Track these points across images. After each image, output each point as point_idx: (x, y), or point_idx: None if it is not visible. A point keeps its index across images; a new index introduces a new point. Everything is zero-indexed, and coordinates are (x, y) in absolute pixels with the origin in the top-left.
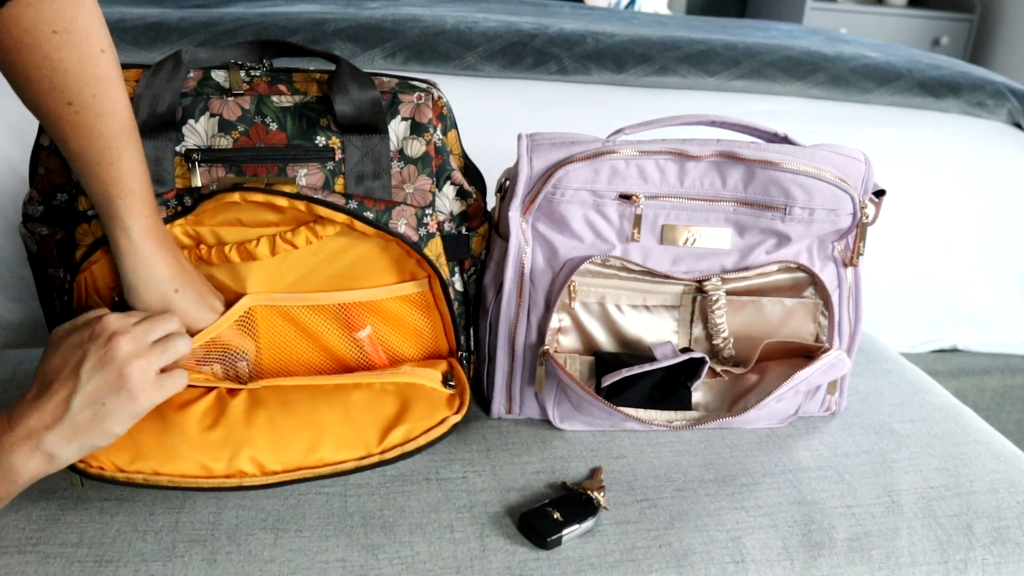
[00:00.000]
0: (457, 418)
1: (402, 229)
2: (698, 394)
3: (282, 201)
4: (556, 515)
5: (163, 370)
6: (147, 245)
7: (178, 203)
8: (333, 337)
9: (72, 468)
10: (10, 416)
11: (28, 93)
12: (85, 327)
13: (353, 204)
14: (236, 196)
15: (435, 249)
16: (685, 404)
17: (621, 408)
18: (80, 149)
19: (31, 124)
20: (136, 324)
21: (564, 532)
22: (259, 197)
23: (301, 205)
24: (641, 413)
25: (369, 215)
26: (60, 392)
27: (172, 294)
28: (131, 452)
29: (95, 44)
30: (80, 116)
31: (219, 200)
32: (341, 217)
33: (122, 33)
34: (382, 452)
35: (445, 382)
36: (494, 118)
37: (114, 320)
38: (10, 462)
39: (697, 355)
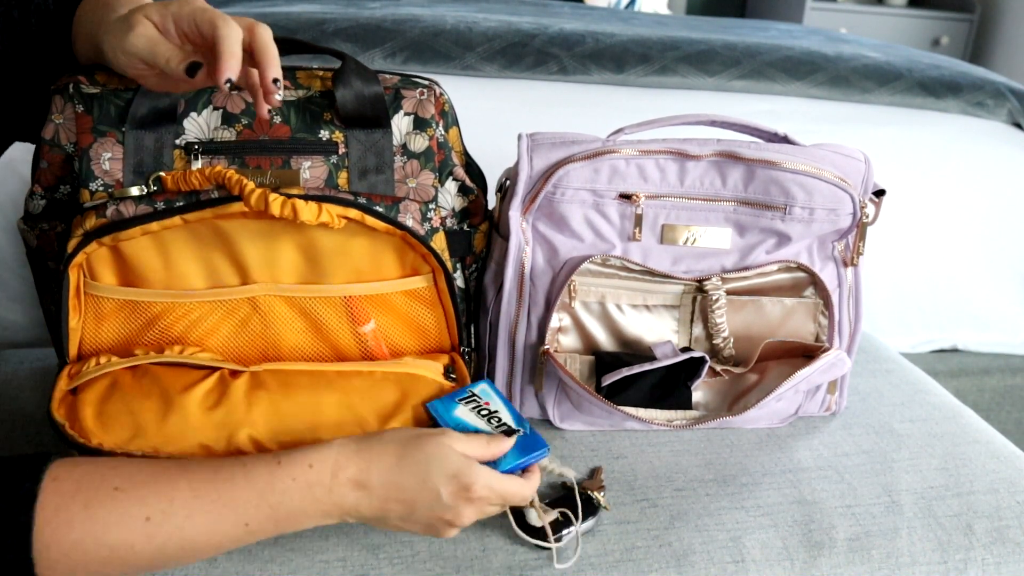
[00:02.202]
0: None
1: (410, 223)
2: (698, 394)
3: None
4: (556, 515)
5: None
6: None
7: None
8: (337, 329)
9: (71, 444)
10: (334, 475)
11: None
12: (451, 480)
13: (362, 200)
14: (241, 205)
15: (440, 244)
16: (685, 403)
17: (621, 407)
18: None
19: None
20: (491, 499)
21: (564, 532)
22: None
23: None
24: (641, 412)
25: (379, 209)
26: (388, 503)
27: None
28: (131, 430)
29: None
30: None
31: (223, 209)
32: (353, 212)
33: None
34: None
35: (446, 374)
36: (494, 118)
37: (479, 497)
38: (316, 513)
39: (697, 354)
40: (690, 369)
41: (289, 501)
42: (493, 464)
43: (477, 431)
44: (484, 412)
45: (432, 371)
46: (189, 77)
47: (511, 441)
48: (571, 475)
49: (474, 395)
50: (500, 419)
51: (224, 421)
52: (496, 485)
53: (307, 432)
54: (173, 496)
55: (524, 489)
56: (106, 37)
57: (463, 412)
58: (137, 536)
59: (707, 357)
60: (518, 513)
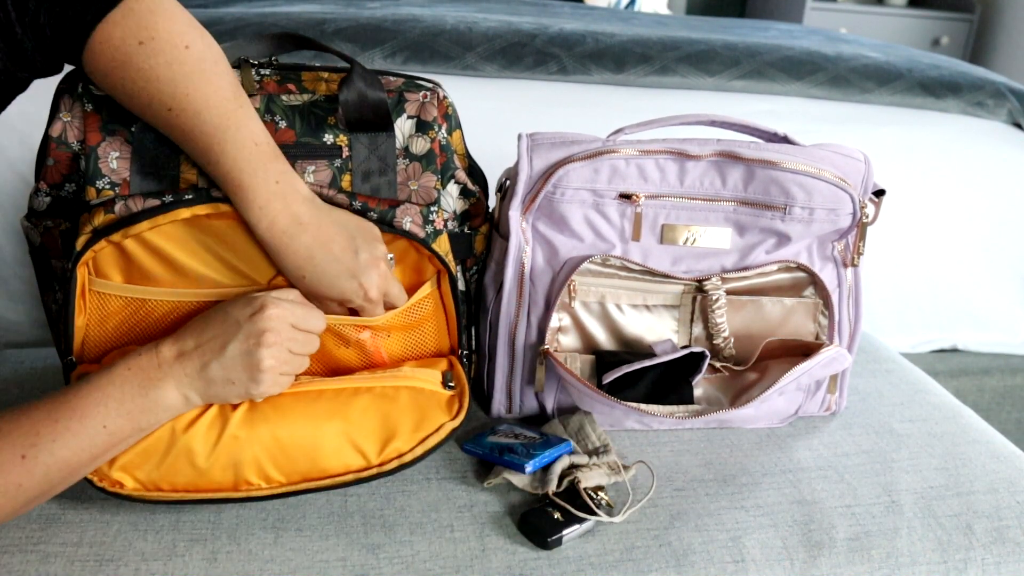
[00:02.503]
0: (455, 424)
1: (408, 226)
2: (699, 390)
3: None
4: (556, 515)
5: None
6: (275, 237)
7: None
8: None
9: (91, 483)
10: (158, 354)
11: (135, 109)
12: (247, 306)
13: (358, 204)
14: None
15: (443, 246)
16: (686, 399)
17: (624, 402)
18: (193, 151)
19: (31, 124)
20: (291, 327)
21: (564, 532)
22: None
23: None
24: (643, 405)
25: (373, 215)
26: (205, 355)
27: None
28: (144, 473)
29: (178, 43)
30: (182, 118)
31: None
32: None
33: None
34: (381, 464)
35: (445, 383)
36: (494, 118)
37: (272, 315)
38: (157, 395)
39: (697, 350)
40: (691, 365)
41: (131, 389)
42: (521, 464)
43: (511, 446)
44: (511, 434)
45: (431, 382)
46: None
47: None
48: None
49: (500, 428)
50: (526, 435)
51: (228, 462)
52: (285, 296)
53: (309, 461)
54: (38, 429)
55: (313, 309)
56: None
57: (493, 437)
58: (20, 474)
59: (707, 352)
60: (519, 513)
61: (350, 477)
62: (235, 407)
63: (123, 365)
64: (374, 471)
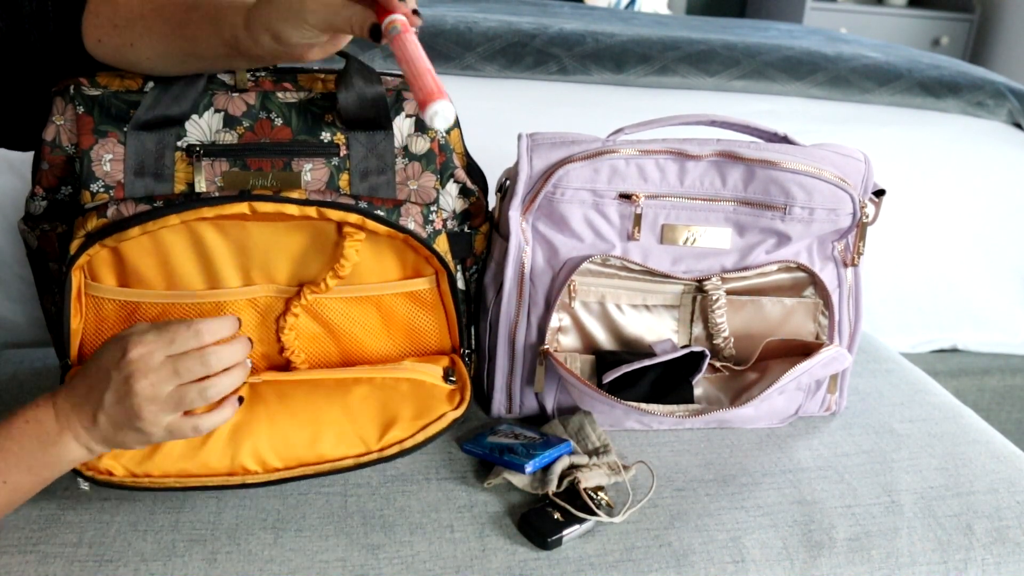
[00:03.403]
0: (457, 413)
1: (411, 226)
2: (699, 390)
3: (292, 209)
4: (556, 515)
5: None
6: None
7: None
8: (338, 329)
9: (79, 474)
10: (55, 405)
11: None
12: (114, 351)
13: (363, 204)
14: (245, 206)
15: (442, 246)
16: (687, 399)
17: (624, 401)
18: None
19: None
20: (165, 359)
21: (564, 532)
22: (269, 207)
23: (312, 210)
24: (643, 405)
25: (380, 213)
26: (90, 406)
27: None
28: (139, 456)
29: None
30: None
31: (224, 209)
32: (353, 217)
33: None
34: (381, 449)
35: (446, 377)
36: (494, 118)
37: (134, 357)
38: (58, 451)
39: (697, 349)
40: (691, 365)
41: (30, 444)
42: (521, 464)
43: (511, 446)
44: (511, 434)
45: (432, 375)
46: (375, 41)
47: (228, 319)
48: (624, 474)
49: (500, 429)
50: (526, 435)
51: (227, 439)
52: (147, 329)
53: (308, 446)
54: None
55: (185, 327)
56: (261, 18)
57: (493, 437)
58: None
59: (707, 352)
60: (519, 513)
61: (350, 462)
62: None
63: (21, 418)
64: (374, 456)
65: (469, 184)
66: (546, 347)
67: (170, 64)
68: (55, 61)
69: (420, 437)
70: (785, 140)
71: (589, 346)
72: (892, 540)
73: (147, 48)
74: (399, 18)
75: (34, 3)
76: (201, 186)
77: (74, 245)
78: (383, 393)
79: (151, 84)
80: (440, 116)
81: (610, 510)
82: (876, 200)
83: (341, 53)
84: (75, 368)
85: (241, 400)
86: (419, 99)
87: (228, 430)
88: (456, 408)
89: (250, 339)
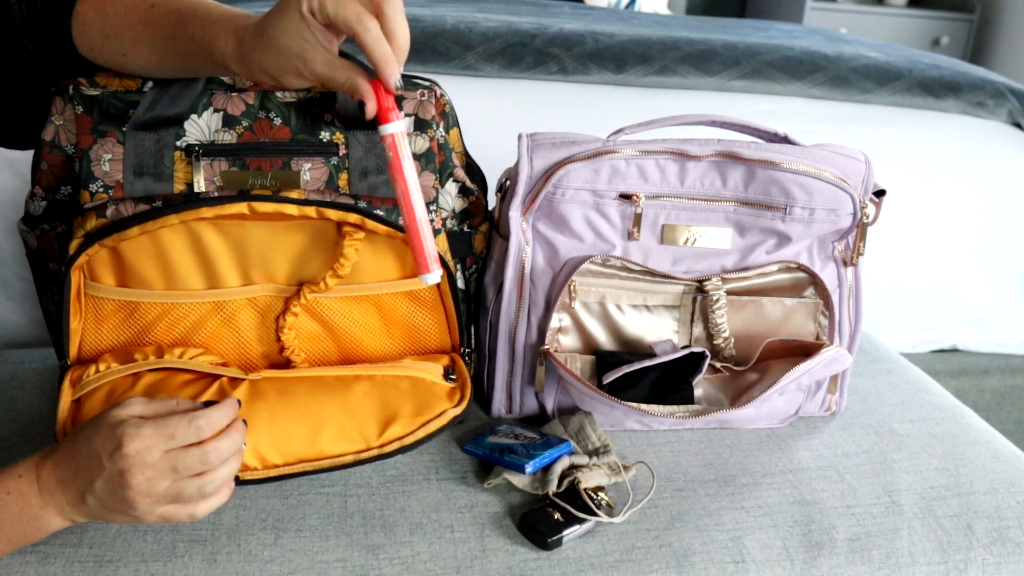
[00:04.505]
0: (457, 411)
1: None
2: (699, 390)
3: (291, 209)
4: (556, 515)
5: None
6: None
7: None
8: (337, 328)
9: None
10: (39, 479)
11: (121, 27)
12: (108, 439)
13: (363, 204)
14: (244, 206)
15: (442, 245)
16: (687, 400)
17: (624, 402)
18: (191, 43)
19: None
20: (160, 459)
21: (565, 532)
22: (268, 207)
23: (311, 210)
24: (643, 405)
25: (380, 212)
26: (80, 486)
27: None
28: None
29: None
30: (159, 8)
31: (223, 209)
32: (353, 217)
33: None
34: (381, 446)
35: (446, 375)
36: (494, 118)
37: (131, 452)
38: (39, 524)
39: (698, 350)
40: (691, 365)
41: (11, 516)
42: (522, 464)
43: (511, 446)
44: (511, 434)
45: (433, 373)
46: (362, 114)
47: (227, 405)
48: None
49: (500, 429)
50: (526, 435)
51: None
52: (145, 422)
53: (308, 441)
54: None
55: (186, 424)
56: (260, 64)
57: (493, 438)
58: None
59: (707, 353)
60: (519, 513)
61: (350, 458)
62: (235, 386)
63: (2, 488)
64: (374, 452)
65: (468, 183)
66: (546, 347)
67: (166, 73)
68: (53, 64)
69: (420, 434)
70: (785, 140)
71: (589, 346)
72: (892, 540)
73: (140, 58)
74: (387, 137)
75: (24, 9)
76: (200, 186)
77: (73, 245)
78: (383, 390)
79: (150, 84)
80: (430, 279)
81: (610, 510)
82: (876, 200)
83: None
84: (65, 421)
85: (239, 403)
86: (416, 261)
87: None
88: (456, 406)
89: (245, 421)
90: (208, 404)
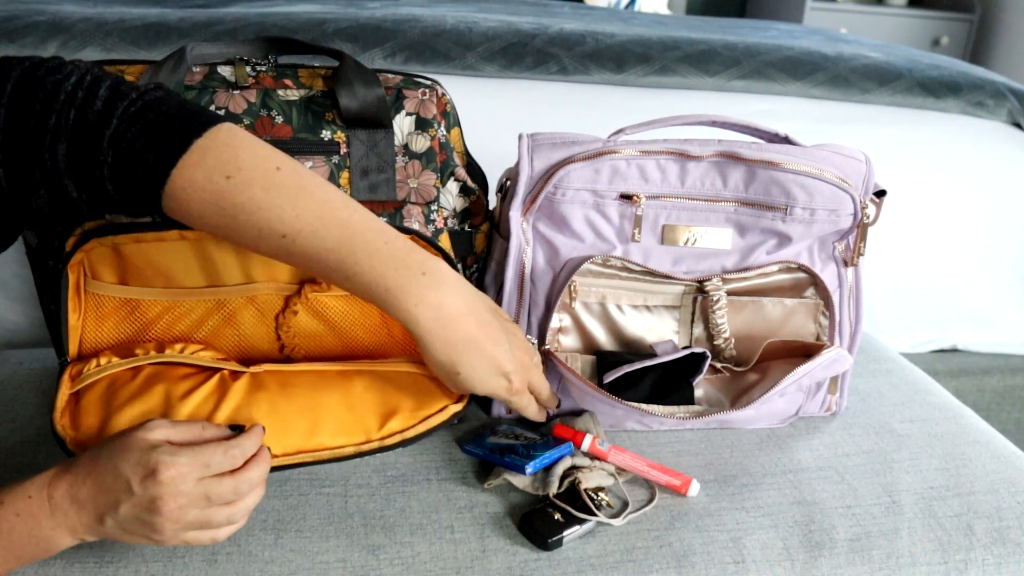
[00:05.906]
0: (458, 407)
1: (415, 226)
2: (700, 391)
3: None
4: (557, 516)
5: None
6: (433, 331)
7: None
8: (338, 325)
9: (64, 447)
10: (51, 499)
11: (247, 244)
12: (139, 464)
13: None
14: None
15: (445, 244)
16: (687, 400)
17: (625, 401)
18: (324, 272)
19: None
20: (193, 486)
21: (565, 533)
22: None
23: None
24: (644, 405)
25: (381, 217)
26: (99, 508)
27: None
28: None
29: (268, 167)
30: (299, 242)
31: None
32: None
33: (122, 33)
34: (382, 439)
35: None
36: (494, 118)
37: (166, 480)
38: (48, 544)
39: (698, 350)
40: (691, 366)
41: (19, 537)
42: (522, 465)
43: (511, 446)
44: (511, 435)
45: None
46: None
47: (255, 433)
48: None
49: (500, 429)
50: (527, 435)
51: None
52: (179, 449)
53: (308, 433)
54: None
55: (222, 453)
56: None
57: (494, 438)
58: None
59: (708, 353)
60: (519, 514)
61: (350, 451)
62: (235, 379)
63: (11, 509)
64: (375, 444)
65: (469, 183)
66: (547, 347)
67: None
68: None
69: (421, 428)
70: (786, 140)
71: (590, 347)
72: (892, 540)
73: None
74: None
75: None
76: None
77: (70, 242)
78: (384, 384)
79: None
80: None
81: (610, 511)
82: (877, 201)
83: (335, 53)
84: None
85: (264, 429)
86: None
87: (228, 418)
88: (457, 401)
89: (269, 448)
90: (233, 428)
